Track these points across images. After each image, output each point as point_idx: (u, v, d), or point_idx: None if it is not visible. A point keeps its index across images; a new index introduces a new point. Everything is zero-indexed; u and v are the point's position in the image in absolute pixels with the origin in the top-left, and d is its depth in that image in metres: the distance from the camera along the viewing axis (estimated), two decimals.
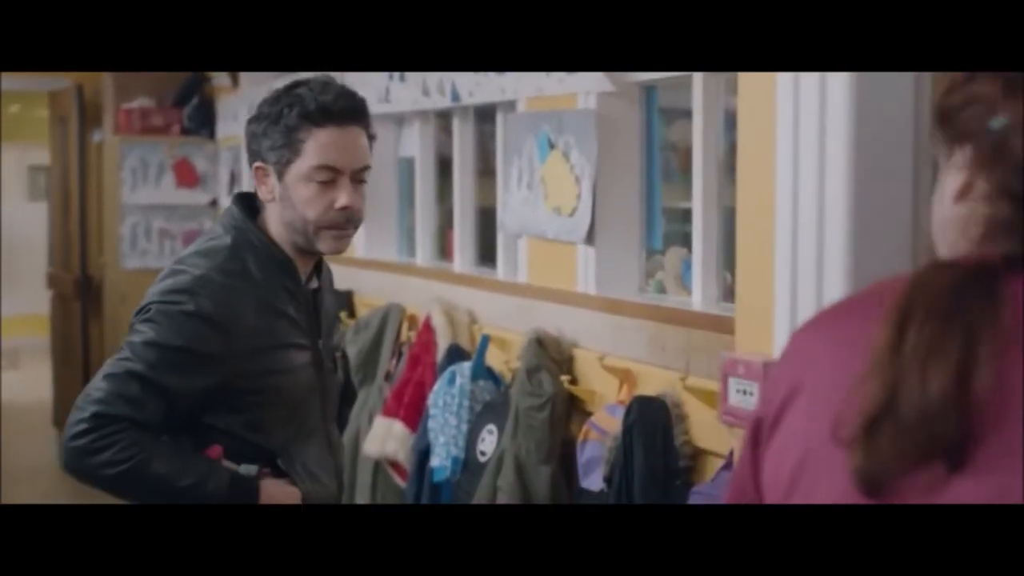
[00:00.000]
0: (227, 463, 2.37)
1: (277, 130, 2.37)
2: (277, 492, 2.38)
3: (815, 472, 1.15)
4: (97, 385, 2.30)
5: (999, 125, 1.16)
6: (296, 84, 2.42)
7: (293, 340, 2.43)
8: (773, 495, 1.20)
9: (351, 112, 2.39)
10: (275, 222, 2.43)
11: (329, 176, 2.37)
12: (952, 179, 1.21)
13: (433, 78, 4.28)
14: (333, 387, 2.66)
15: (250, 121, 2.45)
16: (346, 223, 2.40)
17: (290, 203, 2.38)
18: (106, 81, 7.26)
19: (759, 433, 1.23)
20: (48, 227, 8.63)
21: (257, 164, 2.42)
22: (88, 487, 2.35)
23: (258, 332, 2.36)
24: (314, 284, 2.52)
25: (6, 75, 8.21)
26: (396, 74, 4.58)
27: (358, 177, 2.40)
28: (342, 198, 2.37)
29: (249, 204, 2.47)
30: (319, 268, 2.54)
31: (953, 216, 1.21)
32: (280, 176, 2.39)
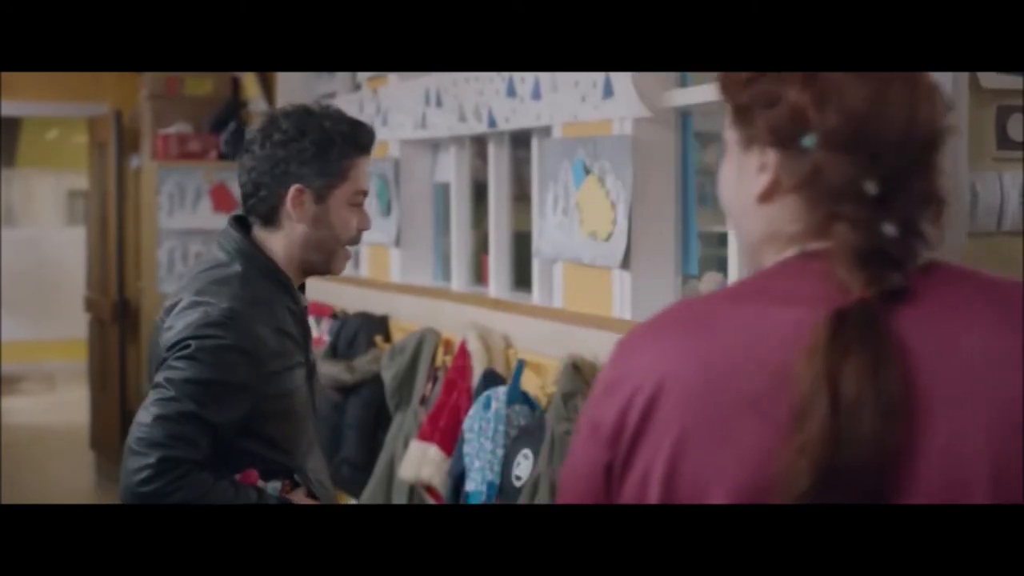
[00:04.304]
0: (261, 483, 2.46)
1: (328, 155, 2.50)
2: None
3: (692, 464, 1.20)
4: (150, 429, 2.32)
5: (811, 143, 1.22)
6: (310, 113, 2.54)
7: (297, 359, 2.54)
8: (645, 492, 1.22)
9: (374, 142, 2.63)
10: (286, 242, 2.54)
11: (362, 200, 2.58)
12: (755, 177, 1.27)
13: (470, 104, 4.29)
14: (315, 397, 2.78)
15: (278, 145, 2.51)
16: (358, 242, 2.62)
17: (326, 224, 2.53)
18: (144, 107, 7.32)
19: (620, 435, 1.24)
20: (86, 251, 8.70)
21: (297, 187, 2.50)
22: None
23: (275, 356, 2.46)
24: (305, 302, 2.63)
25: (45, 101, 8.30)
26: (433, 100, 4.59)
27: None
28: (365, 220, 2.59)
29: (244, 225, 2.57)
30: (303, 287, 2.65)
31: (758, 216, 1.29)
32: (321, 199, 2.52)
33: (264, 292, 2.48)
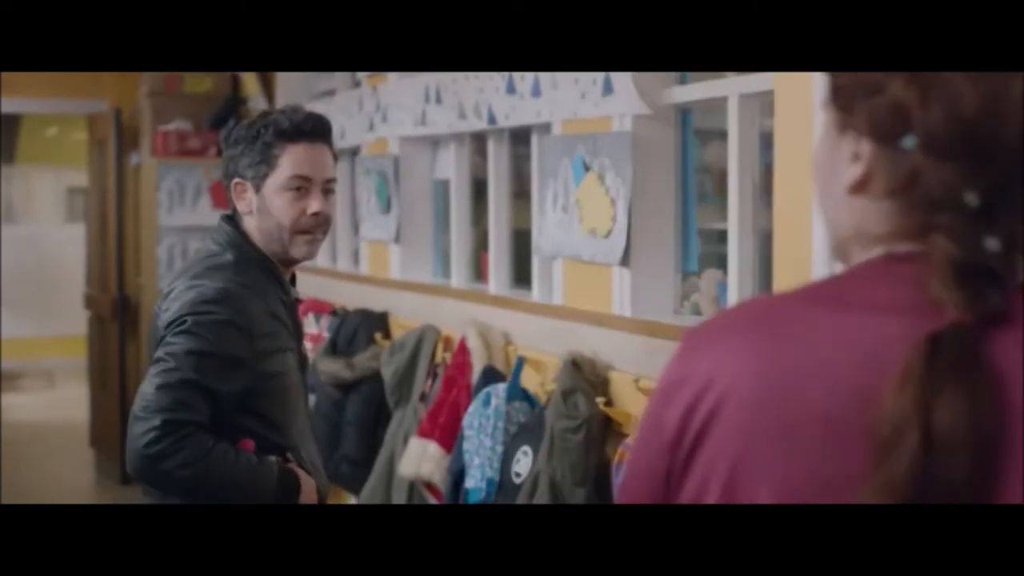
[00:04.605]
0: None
1: (254, 149, 2.68)
2: (306, 483, 2.63)
3: (752, 476, 1.12)
4: (154, 396, 2.48)
5: (911, 145, 1.11)
6: (267, 113, 2.75)
7: (288, 345, 2.70)
8: (703, 500, 1.15)
9: (320, 131, 2.72)
10: (254, 235, 2.71)
11: (302, 185, 2.67)
12: (847, 165, 1.17)
13: (469, 101, 4.29)
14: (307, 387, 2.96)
15: (227, 148, 2.75)
16: (316, 228, 2.70)
17: (267, 213, 2.68)
18: (143, 104, 7.31)
19: (681, 439, 1.16)
20: (86, 248, 8.69)
21: (236, 181, 2.71)
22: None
23: (268, 337, 2.62)
24: (295, 294, 2.81)
25: (45, 98, 8.30)
26: (432, 97, 4.59)
27: (327, 187, 2.72)
28: (314, 205, 2.68)
29: (235, 223, 2.74)
30: (293, 280, 2.82)
31: (848, 208, 1.18)
32: (258, 189, 2.69)
33: (256, 279, 2.65)
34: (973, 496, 1.04)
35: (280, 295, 2.70)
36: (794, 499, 1.10)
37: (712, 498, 1.14)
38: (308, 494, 2.63)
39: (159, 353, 2.53)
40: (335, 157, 2.81)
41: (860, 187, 1.16)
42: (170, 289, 2.63)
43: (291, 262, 2.74)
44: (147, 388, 2.50)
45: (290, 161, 2.66)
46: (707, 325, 1.22)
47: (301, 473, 2.63)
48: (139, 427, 2.47)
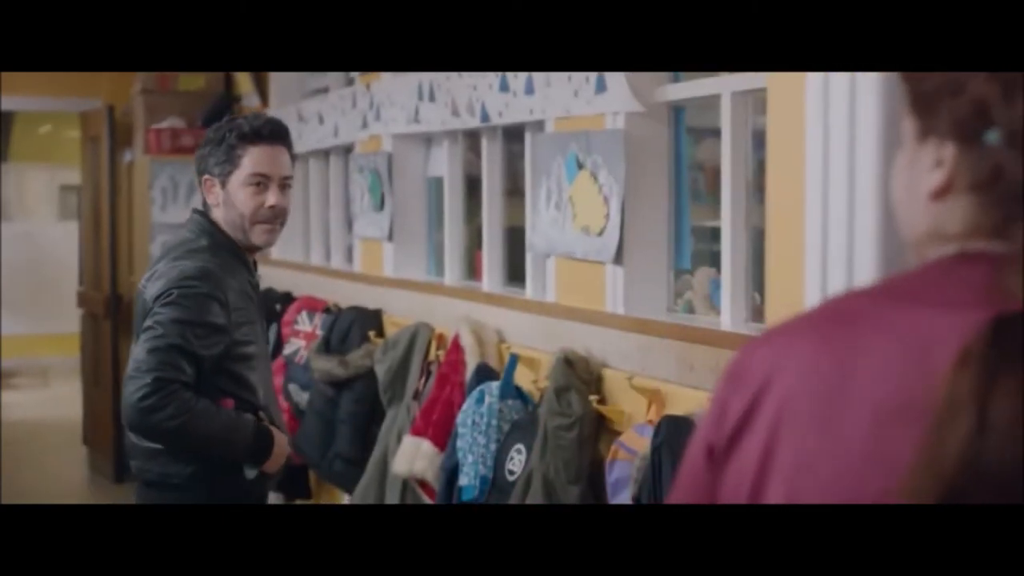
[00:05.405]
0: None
1: (221, 149, 3.09)
2: (279, 437, 3.03)
3: (793, 460, 1.12)
4: (145, 358, 2.84)
5: (995, 140, 1.10)
6: (233, 118, 3.18)
7: (255, 317, 3.10)
8: (739, 488, 1.16)
9: (277, 135, 3.13)
10: (221, 224, 3.10)
11: (261, 181, 3.08)
12: (928, 172, 1.16)
13: (463, 98, 4.29)
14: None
15: (199, 149, 3.16)
16: (274, 219, 3.12)
17: (231, 205, 3.09)
18: (136, 101, 7.30)
19: (718, 438, 1.18)
20: (79, 246, 8.68)
21: (205, 177, 3.12)
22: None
23: (240, 310, 3.00)
24: (258, 278, 3.23)
25: (38, 96, 8.28)
26: (426, 94, 4.59)
27: (283, 183, 3.12)
28: (271, 198, 3.09)
29: (205, 214, 3.13)
30: (255, 266, 3.21)
31: (925, 210, 1.17)
32: (223, 185, 3.09)
33: (226, 261, 3.04)
34: (1021, 490, 0.99)
35: (247, 276, 3.10)
36: (836, 485, 1.09)
37: (745, 487, 1.14)
38: (280, 449, 3.01)
39: (148, 322, 2.89)
40: (293, 158, 3.19)
41: (942, 193, 1.15)
42: (152, 271, 3.02)
43: (253, 248, 3.14)
44: (139, 353, 2.86)
45: (251, 160, 3.07)
46: (780, 322, 1.22)
47: (275, 430, 3.01)
48: (132, 385, 2.82)
